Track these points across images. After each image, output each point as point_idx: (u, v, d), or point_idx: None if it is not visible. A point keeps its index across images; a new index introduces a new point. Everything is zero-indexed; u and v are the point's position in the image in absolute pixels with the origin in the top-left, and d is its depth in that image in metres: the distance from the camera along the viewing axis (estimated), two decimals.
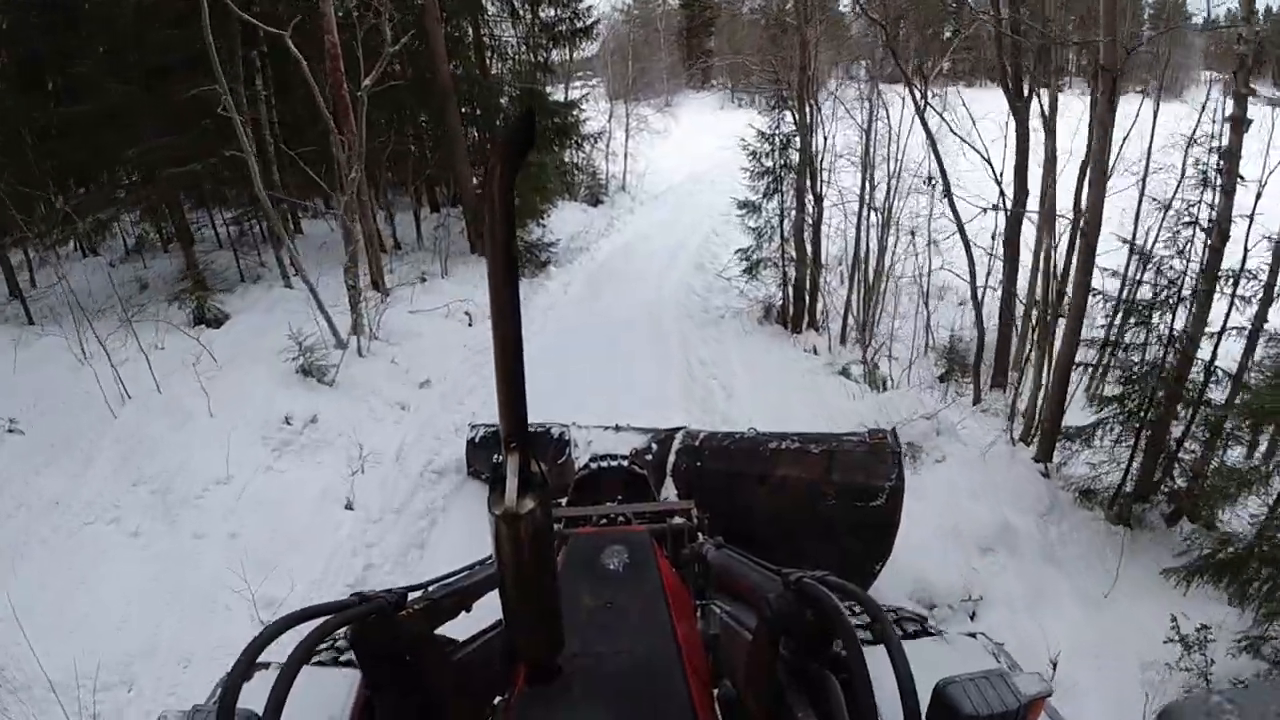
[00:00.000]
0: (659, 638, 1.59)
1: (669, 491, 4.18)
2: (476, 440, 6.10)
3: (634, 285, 12.85)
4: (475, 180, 13.50)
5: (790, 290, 10.68)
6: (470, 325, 10.32)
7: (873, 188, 10.40)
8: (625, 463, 3.92)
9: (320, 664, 1.52)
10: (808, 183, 9.95)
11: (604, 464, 3.90)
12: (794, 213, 10.30)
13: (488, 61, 13.67)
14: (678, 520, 3.13)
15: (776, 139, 10.10)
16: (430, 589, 1.45)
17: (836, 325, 10.82)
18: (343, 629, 1.17)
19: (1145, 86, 11.05)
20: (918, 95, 8.53)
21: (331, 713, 1.25)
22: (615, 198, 22.01)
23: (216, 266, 11.50)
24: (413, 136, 12.99)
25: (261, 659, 0.97)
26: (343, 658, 1.59)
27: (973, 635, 1.45)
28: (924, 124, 8.44)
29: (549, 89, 14.82)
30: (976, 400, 8.72)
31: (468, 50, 13.41)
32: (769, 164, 10.31)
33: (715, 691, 1.55)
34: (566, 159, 16.53)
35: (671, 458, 4.44)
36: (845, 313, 10.61)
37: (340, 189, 8.35)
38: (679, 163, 25.87)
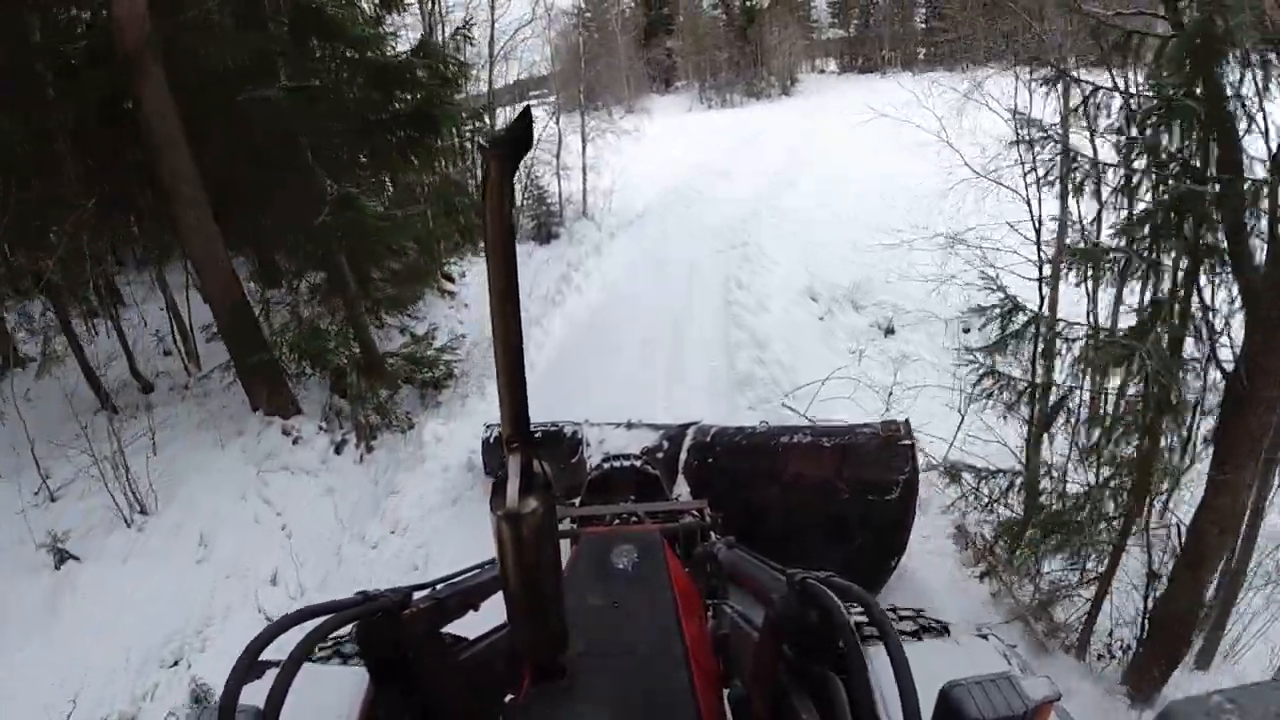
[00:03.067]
0: (665, 637, 1.49)
1: (682, 489, 3.81)
2: (492, 440, 5.15)
3: None
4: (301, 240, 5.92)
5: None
6: None
7: None
8: (637, 463, 3.62)
9: (331, 662, 1.42)
10: None
11: (616, 464, 3.59)
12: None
13: None
14: (689, 519, 2.90)
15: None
16: (437, 588, 1.39)
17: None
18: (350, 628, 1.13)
19: None
20: None
21: (341, 711, 1.16)
22: (574, 228, 14.72)
23: None
24: None
25: (275, 658, 0.93)
26: (354, 657, 1.48)
27: (984, 636, 1.33)
28: None
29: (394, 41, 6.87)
30: None
31: None
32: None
33: (726, 691, 1.48)
34: (446, 174, 8.78)
35: (683, 455, 4.02)
36: None
37: None
38: (654, 172, 18.70)
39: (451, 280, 10.67)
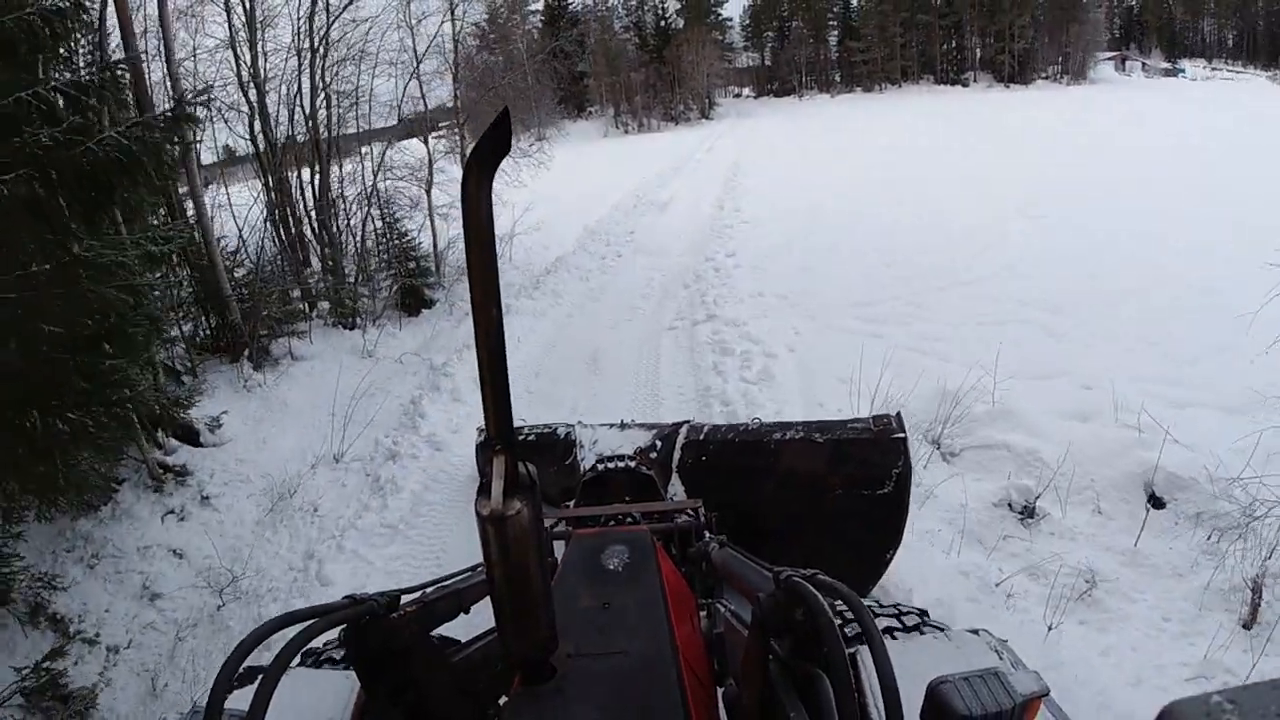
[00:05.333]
0: (655, 637, 1.44)
1: (677, 488, 3.72)
2: (484, 443, 4.69)
3: None
4: None
5: None
6: None
7: None
8: (631, 464, 3.56)
9: (323, 666, 1.47)
10: None
11: (610, 465, 3.53)
12: None
13: None
14: (684, 519, 2.82)
15: None
16: (426, 591, 1.39)
17: None
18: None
19: None
20: None
21: (334, 714, 1.17)
22: (455, 292, 10.22)
23: None
24: None
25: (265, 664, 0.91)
26: (345, 661, 1.53)
27: (975, 631, 1.33)
28: None
29: None
30: None
31: None
32: None
33: (720, 691, 1.42)
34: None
35: (677, 453, 3.86)
36: None
37: None
38: (565, 210, 14.27)
39: (192, 439, 5.31)
